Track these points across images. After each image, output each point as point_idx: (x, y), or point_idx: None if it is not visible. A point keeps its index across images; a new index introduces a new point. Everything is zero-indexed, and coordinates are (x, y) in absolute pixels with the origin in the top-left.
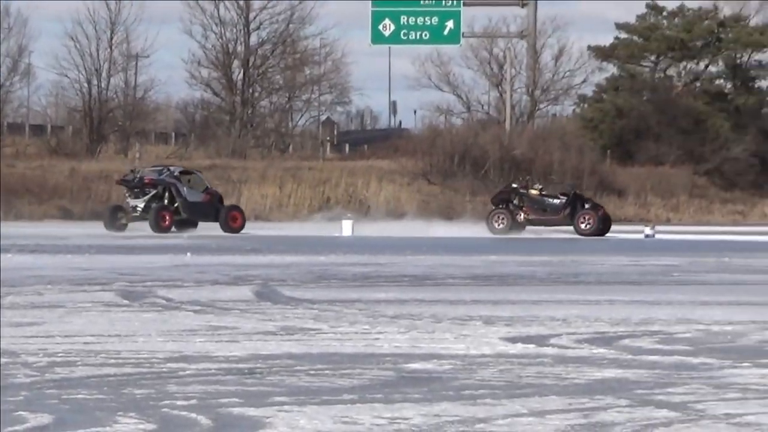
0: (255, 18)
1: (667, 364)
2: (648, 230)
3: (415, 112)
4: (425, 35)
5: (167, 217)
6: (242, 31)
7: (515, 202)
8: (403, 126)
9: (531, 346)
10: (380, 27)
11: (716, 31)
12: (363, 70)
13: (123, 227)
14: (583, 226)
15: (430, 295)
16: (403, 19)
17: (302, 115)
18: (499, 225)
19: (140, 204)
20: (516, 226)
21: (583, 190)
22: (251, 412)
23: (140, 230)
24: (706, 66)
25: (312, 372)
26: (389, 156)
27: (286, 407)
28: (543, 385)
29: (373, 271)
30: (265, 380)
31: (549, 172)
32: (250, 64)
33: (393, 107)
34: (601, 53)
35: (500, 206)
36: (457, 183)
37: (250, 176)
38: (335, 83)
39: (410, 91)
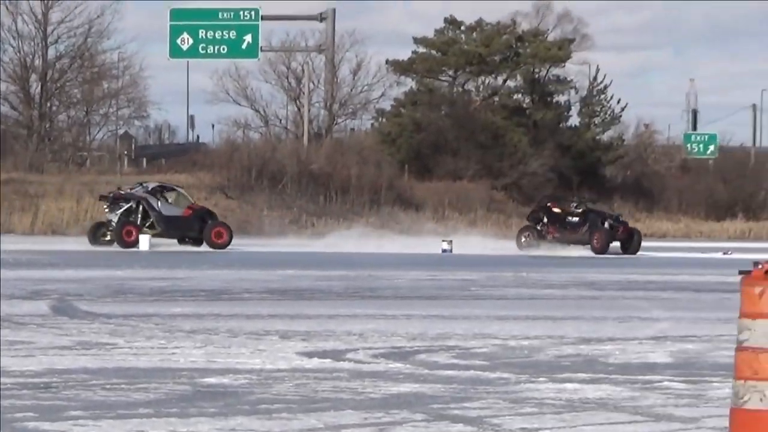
0: (53, 32)
1: (463, 379)
2: (445, 245)
3: (213, 126)
4: (223, 49)
5: (132, 232)
6: (40, 45)
7: (544, 219)
8: (201, 140)
9: (327, 360)
10: (178, 41)
11: (514, 45)
12: (161, 85)
13: (109, 243)
14: (594, 243)
15: (226, 310)
16: (201, 33)
17: (100, 130)
18: (524, 242)
19: (114, 218)
20: (544, 244)
21: (381, 205)
22: (46, 426)
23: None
24: (505, 80)
25: (107, 386)
26: (187, 170)
27: (81, 421)
28: (339, 400)
29: (170, 286)
30: (60, 395)
31: (347, 186)
32: (48, 77)
33: (191, 121)
34: (400, 67)
35: (535, 224)
36: (255, 197)
37: (47, 190)
38: (133, 97)
39: (208, 105)
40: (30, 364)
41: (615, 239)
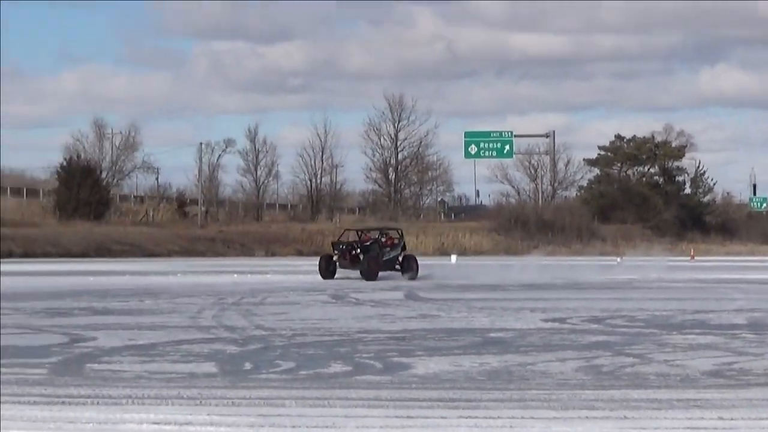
0: (401, 143)
1: (631, 333)
2: (618, 259)
3: (488, 195)
4: (493, 153)
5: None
6: (393, 151)
7: None
8: (483, 203)
9: (556, 323)
10: (469, 149)
11: (653, 149)
12: (458, 173)
13: None
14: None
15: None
16: (482, 144)
17: (428, 199)
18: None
19: None
20: None
21: (582, 237)
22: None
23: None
24: (648, 168)
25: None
26: (475, 220)
27: None
28: (563, 344)
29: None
30: None
31: (563, 227)
32: (398, 169)
33: (477, 193)
34: (591, 162)
35: None
36: (515, 234)
37: (413, 231)
38: (444, 180)
39: (486, 183)
40: None
41: None
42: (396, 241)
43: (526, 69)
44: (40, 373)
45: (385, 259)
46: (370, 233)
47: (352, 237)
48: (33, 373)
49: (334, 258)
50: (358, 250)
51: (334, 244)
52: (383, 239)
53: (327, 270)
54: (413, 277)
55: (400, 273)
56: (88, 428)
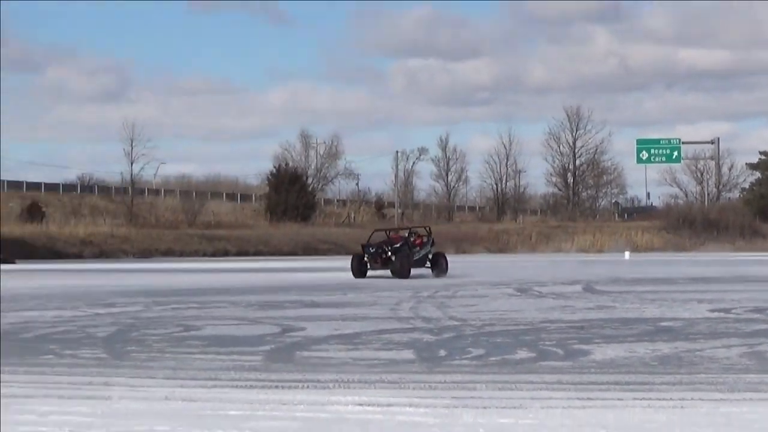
0: (579, 150)
1: None
2: None
3: (658, 197)
4: (663, 159)
5: None
6: (571, 157)
7: None
8: (653, 204)
9: (722, 313)
10: (640, 155)
11: None
12: (628, 178)
13: None
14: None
15: (666, 289)
16: (653, 150)
17: (603, 200)
18: None
19: None
20: None
21: (744, 234)
22: None
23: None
24: None
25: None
26: (646, 220)
27: None
28: (726, 332)
29: None
30: None
31: (726, 225)
32: (576, 174)
33: (647, 195)
34: (752, 166)
35: None
36: (682, 232)
37: (577, 230)
38: (618, 183)
39: (657, 187)
40: None
41: None
42: (425, 240)
43: (693, 81)
44: (256, 360)
45: (415, 258)
46: (399, 233)
47: (381, 238)
48: (249, 360)
49: (365, 259)
50: (389, 253)
51: (364, 247)
52: (412, 239)
53: (359, 270)
54: (443, 274)
55: (430, 270)
56: (299, 409)
